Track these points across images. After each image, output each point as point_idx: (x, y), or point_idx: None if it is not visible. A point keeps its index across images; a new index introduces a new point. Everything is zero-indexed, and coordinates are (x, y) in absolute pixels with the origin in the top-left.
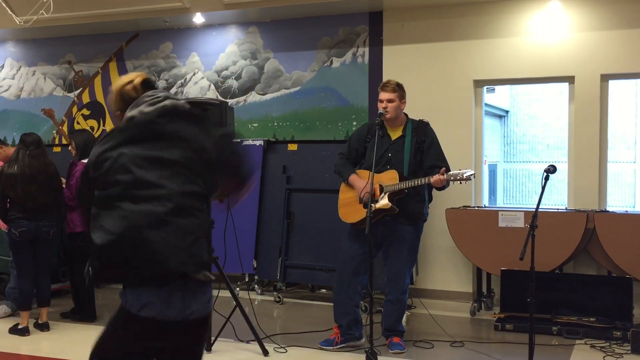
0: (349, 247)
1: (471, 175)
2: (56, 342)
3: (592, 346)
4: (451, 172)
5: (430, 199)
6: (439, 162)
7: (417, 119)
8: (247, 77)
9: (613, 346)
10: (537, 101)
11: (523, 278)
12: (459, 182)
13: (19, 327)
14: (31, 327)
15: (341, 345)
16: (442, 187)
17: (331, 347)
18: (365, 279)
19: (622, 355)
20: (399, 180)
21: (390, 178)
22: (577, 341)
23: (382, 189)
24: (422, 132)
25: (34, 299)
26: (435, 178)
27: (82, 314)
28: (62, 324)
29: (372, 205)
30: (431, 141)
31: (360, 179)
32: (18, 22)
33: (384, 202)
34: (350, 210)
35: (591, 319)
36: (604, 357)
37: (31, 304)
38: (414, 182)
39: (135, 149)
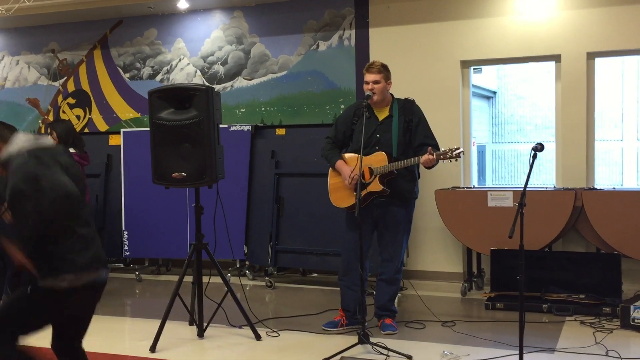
0: (351, 234)
1: (460, 152)
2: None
3: (582, 322)
4: (440, 151)
5: (418, 176)
6: (428, 140)
7: (403, 98)
8: (233, 62)
9: (603, 322)
10: (524, 81)
11: (513, 257)
12: (448, 160)
13: None
14: None
15: (346, 328)
16: (431, 165)
17: (335, 329)
18: (368, 264)
19: (612, 330)
20: (388, 162)
21: (379, 160)
22: (567, 318)
23: (372, 172)
24: (409, 111)
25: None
26: (424, 158)
27: None
28: None
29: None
30: (419, 119)
31: (346, 166)
32: (0, 11)
33: (374, 184)
34: (341, 195)
35: (580, 296)
36: (593, 332)
37: None
38: (404, 163)
39: None
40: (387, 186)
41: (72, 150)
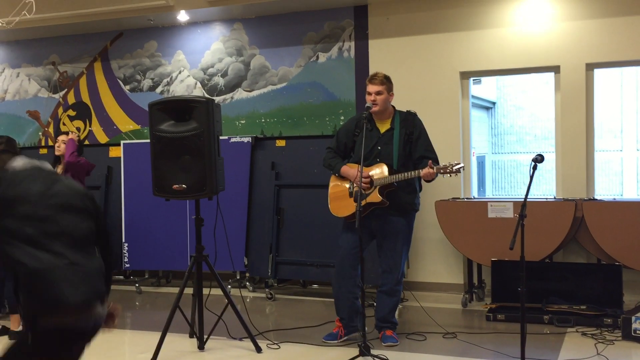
0: (345, 241)
1: (460, 167)
2: None
3: (584, 334)
4: (440, 165)
5: (420, 189)
6: (428, 153)
7: (405, 110)
8: (233, 74)
9: (604, 333)
10: (523, 92)
11: (513, 268)
12: (448, 174)
13: None
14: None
15: (344, 339)
16: (431, 179)
17: (336, 341)
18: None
19: (613, 341)
20: (389, 174)
21: (379, 171)
22: (569, 329)
23: (372, 183)
24: (410, 124)
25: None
26: (424, 172)
27: None
28: None
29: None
30: (419, 132)
31: (352, 169)
32: (0, 24)
33: (374, 195)
34: (340, 205)
35: (582, 307)
36: (595, 344)
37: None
38: (404, 176)
39: None
40: (387, 198)
41: None
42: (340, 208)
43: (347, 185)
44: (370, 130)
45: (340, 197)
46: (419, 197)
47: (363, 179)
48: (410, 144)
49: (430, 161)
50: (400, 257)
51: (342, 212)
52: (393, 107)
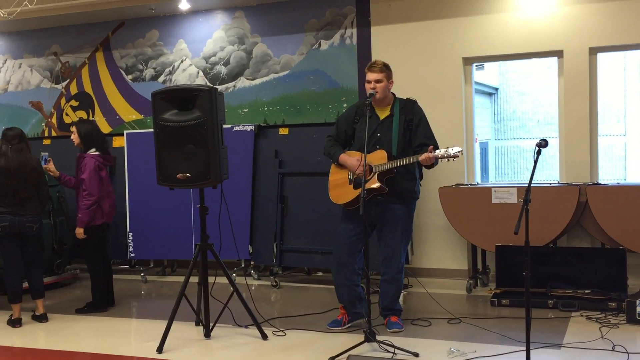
0: (343, 229)
1: (459, 152)
2: (53, 334)
3: (588, 318)
4: (439, 150)
5: (421, 177)
6: (428, 140)
7: (405, 98)
8: (235, 63)
9: (608, 317)
10: (526, 77)
11: (518, 253)
12: (447, 159)
13: (12, 318)
14: (28, 319)
15: (349, 325)
16: (431, 165)
17: (340, 328)
18: (361, 258)
19: (618, 325)
20: (388, 160)
21: (379, 158)
22: (573, 313)
23: (371, 169)
24: (410, 111)
25: (28, 292)
26: (423, 156)
27: (100, 301)
28: (59, 315)
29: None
30: (419, 119)
31: (351, 157)
32: (2, 15)
33: (373, 182)
34: (340, 192)
35: (586, 291)
36: (599, 328)
37: (20, 297)
38: (403, 162)
39: None
40: (386, 185)
41: (94, 151)
42: (340, 195)
43: (347, 173)
44: (370, 118)
45: (339, 185)
46: (419, 184)
47: (362, 166)
48: (410, 131)
49: (431, 146)
50: (400, 245)
51: (341, 199)
52: (393, 94)
